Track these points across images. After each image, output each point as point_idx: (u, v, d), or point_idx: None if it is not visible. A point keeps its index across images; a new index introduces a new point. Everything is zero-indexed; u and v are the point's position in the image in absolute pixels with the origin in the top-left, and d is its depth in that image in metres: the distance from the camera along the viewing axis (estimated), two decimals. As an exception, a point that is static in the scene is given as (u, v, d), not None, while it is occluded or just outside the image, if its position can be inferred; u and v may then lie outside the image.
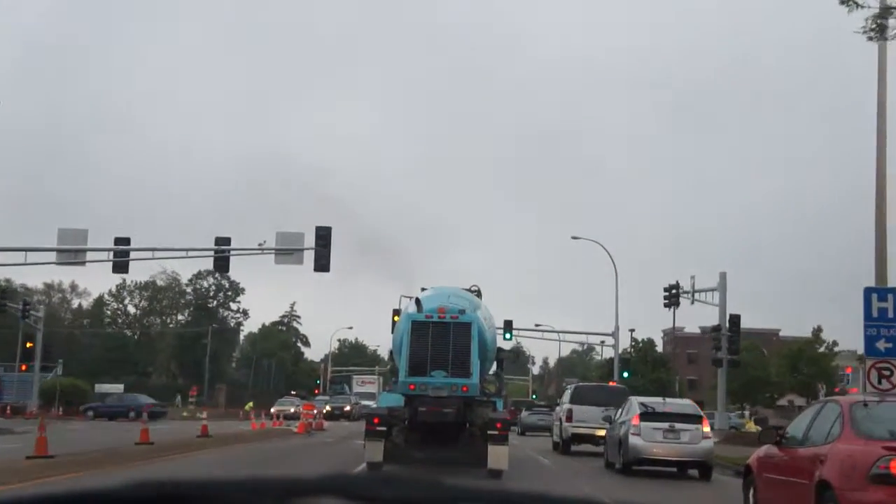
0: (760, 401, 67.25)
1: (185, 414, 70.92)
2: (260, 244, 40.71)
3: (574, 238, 64.27)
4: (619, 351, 66.17)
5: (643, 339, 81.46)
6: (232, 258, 41.09)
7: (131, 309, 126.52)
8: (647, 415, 22.36)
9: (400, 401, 20.71)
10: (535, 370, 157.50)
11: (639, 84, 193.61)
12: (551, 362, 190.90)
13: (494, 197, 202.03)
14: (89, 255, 39.74)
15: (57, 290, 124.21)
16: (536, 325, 77.37)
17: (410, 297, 22.38)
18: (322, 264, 40.43)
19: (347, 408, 70.89)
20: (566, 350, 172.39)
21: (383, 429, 19.81)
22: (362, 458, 20.04)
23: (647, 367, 75.99)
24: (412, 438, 20.63)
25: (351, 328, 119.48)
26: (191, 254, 40.82)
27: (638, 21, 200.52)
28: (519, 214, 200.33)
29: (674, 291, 50.70)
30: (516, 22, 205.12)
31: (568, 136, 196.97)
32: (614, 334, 64.30)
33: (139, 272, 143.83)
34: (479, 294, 24.05)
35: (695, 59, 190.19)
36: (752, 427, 47.92)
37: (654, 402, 24.06)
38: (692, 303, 49.35)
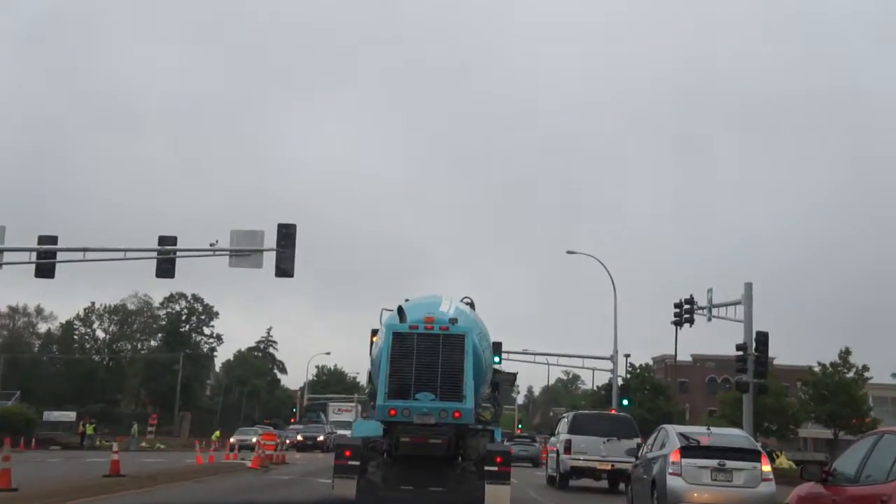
0: (772, 432, 60.16)
1: (144, 444, 64.01)
2: (211, 244, 34.07)
3: (570, 252, 57.92)
4: (616, 377, 59.44)
5: (640, 365, 74.82)
6: (181, 262, 34.41)
7: (100, 333, 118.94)
8: (690, 449, 17.44)
9: (378, 429, 17.37)
10: (520, 399, 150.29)
11: (629, 102, 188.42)
12: (536, 391, 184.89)
13: (480, 218, 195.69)
14: (6, 257, 32.93)
15: (22, 314, 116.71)
16: (524, 350, 71.33)
17: (393, 311, 18.21)
18: (284, 268, 33.82)
19: (321, 437, 63.66)
20: (554, 377, 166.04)
21: (356, 463, 16.67)
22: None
23: (645, 395, 69.31)
24: (392, 475, 17.07)
25: (329, 353, 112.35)
26: (129, 255, 33.99)
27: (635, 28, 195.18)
28: (506, 236, 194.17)
29: (687, 307, 44.08)
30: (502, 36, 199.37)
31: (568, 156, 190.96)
32: (613, 357, 57.74)
33: (105, 290, 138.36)
34: (472, 306, 19.88)
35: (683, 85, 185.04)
36: (783, 462, 41.18)
37: (697, 432, 19.09)
38: (709, 319, 42.75)
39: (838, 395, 57.57)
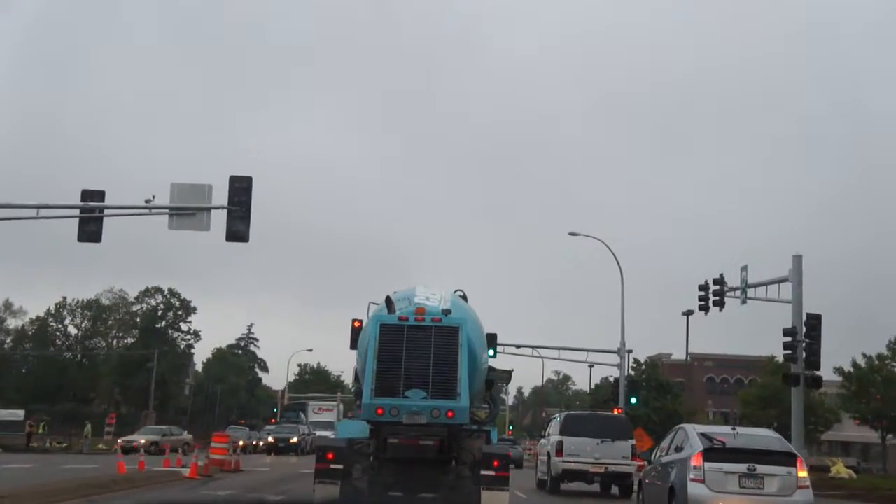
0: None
1: (101, 446, 56.88)
2: (147, 200, 27.02)
3: (572, 234, 51.08)
4: (619, 373, 52.47)
5: (646, 360, 67.78)
6: (109, 222, 27.35)
7: (72, 330, 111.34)
8: (714, 451, 15.55)
9: (364, 430, 15.91)
10: (510, 400, 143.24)
11: (623, 95, 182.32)
12: (526, 391, 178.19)
13: (468, 210, 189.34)
14: None
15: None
16: (518, 347, 64.53)
17: (380, 304, 16.43)
18: (238, 230, 26.89)
19: (294, 439, 56.27)
20: (547, 375, 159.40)
21: (339, 467, 15.28)
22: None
23: (650, 394, 62.40)
24: (379, 480, 15.49)
25: (311, 350, 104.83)
26: (43, 213, 26.86)
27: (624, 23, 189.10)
28: (498, 230, 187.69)
29: (716, 288, 37.16)
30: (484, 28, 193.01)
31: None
32: (620, 351, 50.88)
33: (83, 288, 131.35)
34: (464, 299, 18.02)
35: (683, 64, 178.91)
36: (841, 471, 34.40)
37: (721, 432, 16.74)
38: (743, 301, 35.93)
39: (891, 390, 49.89)
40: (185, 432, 58.58)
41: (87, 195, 26.75)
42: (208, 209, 27.04)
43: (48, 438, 59.65)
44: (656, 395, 63.38)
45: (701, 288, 38.35)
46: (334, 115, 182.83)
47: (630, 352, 64.19)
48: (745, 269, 35.81)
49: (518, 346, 53.25)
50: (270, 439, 56.61)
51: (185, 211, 26.98)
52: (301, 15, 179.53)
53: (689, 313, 55.00)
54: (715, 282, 37.16)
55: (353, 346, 44.95)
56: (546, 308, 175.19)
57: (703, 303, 38.31)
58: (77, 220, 26.80)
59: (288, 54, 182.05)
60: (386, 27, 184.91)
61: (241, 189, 26.84)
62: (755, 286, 35.19)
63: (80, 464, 32.99)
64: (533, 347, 53.39)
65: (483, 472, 15.28)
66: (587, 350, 53.16)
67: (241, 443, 55.55)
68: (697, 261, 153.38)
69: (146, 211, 27.16)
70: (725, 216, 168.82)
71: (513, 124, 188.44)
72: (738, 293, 36.06)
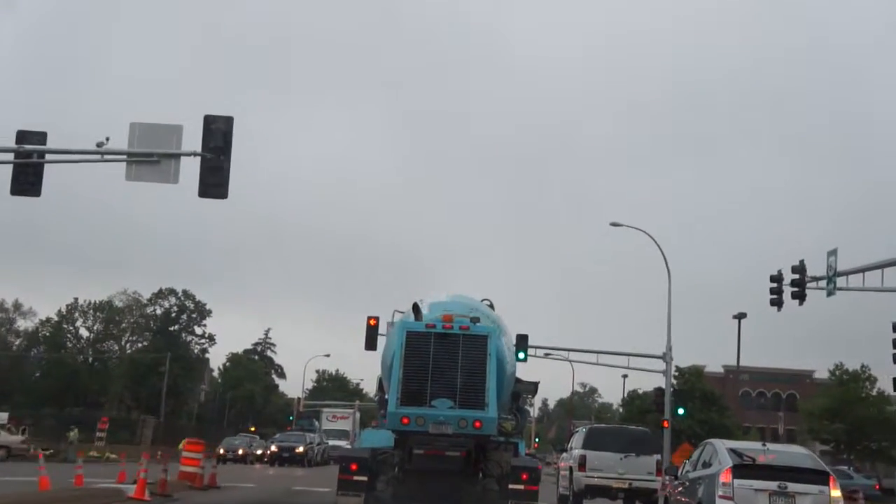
0: (870, 452, 46.18)
1: (94, 453, 51.11)
2: (100, 144, 21.14)
3: (614, 225, 44.86)
4: (664, 382, 46.07)
5: (688, 367, 61.10)
6: (51, 169, 21.54)
7: (84, 332, 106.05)
8: (744, 468, 14.58)
9: (389, 440, 15.34)
10: (534, 412, 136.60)
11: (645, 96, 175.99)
12: (551, 403, 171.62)
13: (491, 215, 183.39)
14: None
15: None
16: (549, 351, 58.42)
17: (405, 312, 16.15)
18: (213, 185, 20.95)
19: (301, 448, 49.69)
20: (577, 384, 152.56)
21: (363, 478, 14.87)
22: None
23: (694, 405, 55.83)
24: (404, 492, 14.97)
25: (328, 356, 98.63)
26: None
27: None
28: (518, 233, 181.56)
29: (795, 277, 30.82)
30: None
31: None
32: (665, 356, 44.45)
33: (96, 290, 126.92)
34: (492, 308, 17.56)
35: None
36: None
37: (751, 448, 15.91)
38: (831, 293, 29.59)
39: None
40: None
41: (23, 137, 20.90)
42: (176, 156, 21.10)
43: (31, 444, 53.98)
44: (700, 407, 56.77)
45: (773, 279, 32.05)
46: (353, 120, 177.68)
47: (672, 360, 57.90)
48: (833, 253, 29.46)
49: (549, 350, 46.97)
50: (273, 448, 50.46)
51: (148, 158, 21.07)
52: (313, 13, 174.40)
53: (741, 316, 48.68)
54: (794, 270, 30.83)
55: (369, 345, 39.23)
56: (575, 312, 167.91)
57: (775, 296, 31.98)
58: (10, 167, 20.98)
59: (303, 54, 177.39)
60: (408, 42, 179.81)
61: (217, 132, 20.91)
62: (849, 273, 28.86)
63: (30, 475, 27.04)
64: (568, 350, 47.04)
65: (511, 486, 14.95)
66: (627, 354, 46.62)
67: (240, 451, 49.97)
68: (714, 263, 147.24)
69: (98, 157, 21.29)
70: (731, 218, 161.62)
71: (535, 128, 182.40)
72: (823, 283, 29.72)
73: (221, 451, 49.84)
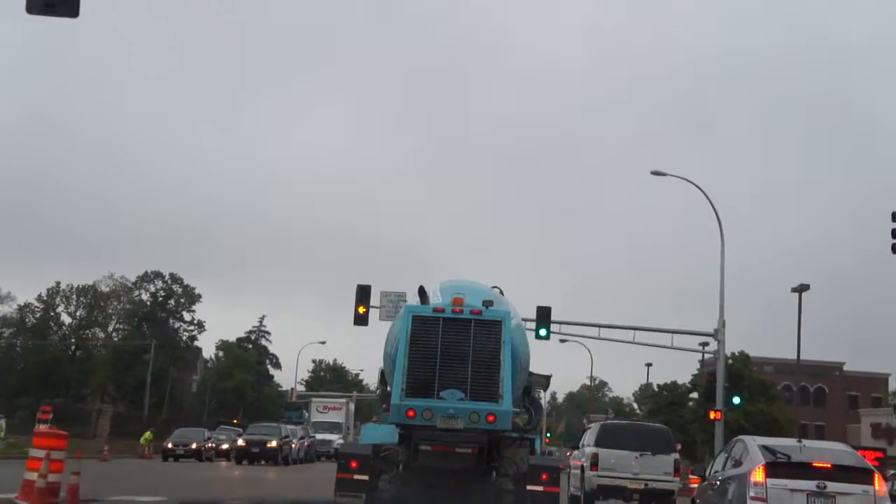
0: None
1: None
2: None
3: (655, 174, 36.84)
4: (722, 361, 37.87)
5: (735, 353, 52.82)
6: None
7: (66, 318, 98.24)
8: (778, 466, 13.31)
9: (393, 435, 14.25)
10: (544, 406, 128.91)
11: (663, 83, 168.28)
12: (560, 397, 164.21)
13: (495, 207, 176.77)
14: None
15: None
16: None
17: (411, 302, 14.83)
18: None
19: (273, 443, 41.25)
20: (584, 377, 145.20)
21: (364, 477, 13.58)
22: None
23: (742, 396, 47.70)
24: (409, 492, 13.86)
25: (324, 343, 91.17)
26: None
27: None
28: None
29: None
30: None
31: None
32: (718, 333, 36.27)
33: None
34: (501, 294, 16.10)
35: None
36: None
37: (786, 445, 14.23)
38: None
39: None
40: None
41: None
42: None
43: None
44: (749, 398, 48.65)
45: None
46: (354, 112, 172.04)
47: (705, 344, 49.37)
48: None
49: (575, 326, 38.70)
50: (241, 442, 42.22)
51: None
52: (313, 12, 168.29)
53: (802, 288, 40.32)
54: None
55: (358, 321, 33.93)
56: (600, 293, 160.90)
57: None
58: None
59: (304, 50, 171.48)
60: (410, 37, 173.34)
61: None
62: None
63: None
64: (599, 327, 38.74)
65: (530, 487, 13.67)
66: (671, 332, 38.23)
67: (193, 446, 43.26)
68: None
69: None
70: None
71: (535, 128, 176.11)
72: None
73: (169, 445, 42.92)
